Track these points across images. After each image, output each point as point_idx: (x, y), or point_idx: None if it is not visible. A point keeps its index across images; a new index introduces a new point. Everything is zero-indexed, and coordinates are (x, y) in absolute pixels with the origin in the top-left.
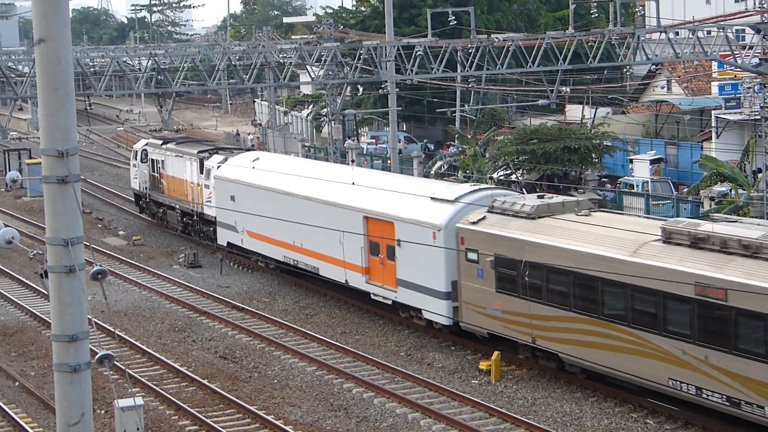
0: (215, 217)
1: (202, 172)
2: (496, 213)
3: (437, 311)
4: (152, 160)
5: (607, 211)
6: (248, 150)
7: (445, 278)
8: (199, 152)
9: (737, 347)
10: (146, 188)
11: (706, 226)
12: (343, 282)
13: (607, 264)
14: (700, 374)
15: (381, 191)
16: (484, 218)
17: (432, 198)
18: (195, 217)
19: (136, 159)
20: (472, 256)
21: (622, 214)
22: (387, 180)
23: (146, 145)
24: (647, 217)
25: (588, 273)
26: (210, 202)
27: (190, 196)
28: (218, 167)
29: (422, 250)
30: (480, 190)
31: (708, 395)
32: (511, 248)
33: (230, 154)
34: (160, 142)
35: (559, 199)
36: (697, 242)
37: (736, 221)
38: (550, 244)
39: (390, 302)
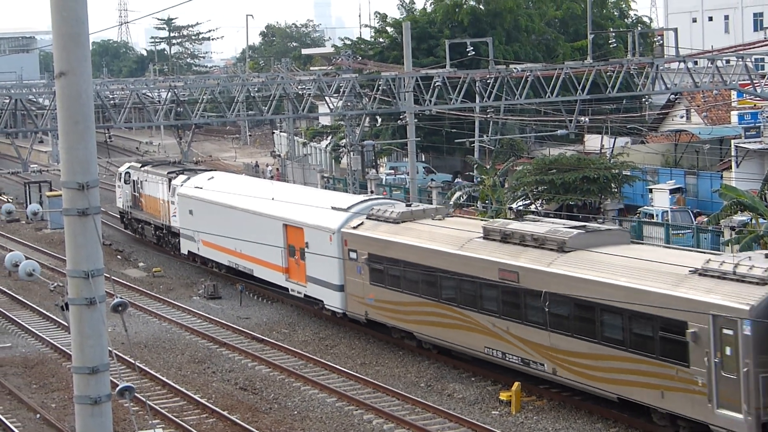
0: (179, 230)
1: (170, 191)
2: (372, 219)
3: (333, 302)
4: (133, 181)
5: (458, 216)
6: (210, 171)
7: (338, 274)
8: (168, 173)
9: (527, 319)
10: (129, 206)
11: (513, 225)
12: (270, 281)
13: (443, 257)
14: (504, 342)
15: (296, 203)
16: (362, 223)
17: (332, 207)
18: (164, 231)
19: (120, 180)
20: (353, 255)
21: (470, 218)
22: (302, 193)
23: (129, 168)
24: (483, 220)
25: (430, 265)
26: (175, 216)
27: (161, 212)
28: (181, 185)
29: (323, 250)
30: (369, 200)
31: (509, 358)
32: (379, 247)
33: (194, 174)
34: (140, 165)
35: (421, 207)
36: (505, 237)
37: (538, 221)
38: (405, 242)
39: (302, 295)
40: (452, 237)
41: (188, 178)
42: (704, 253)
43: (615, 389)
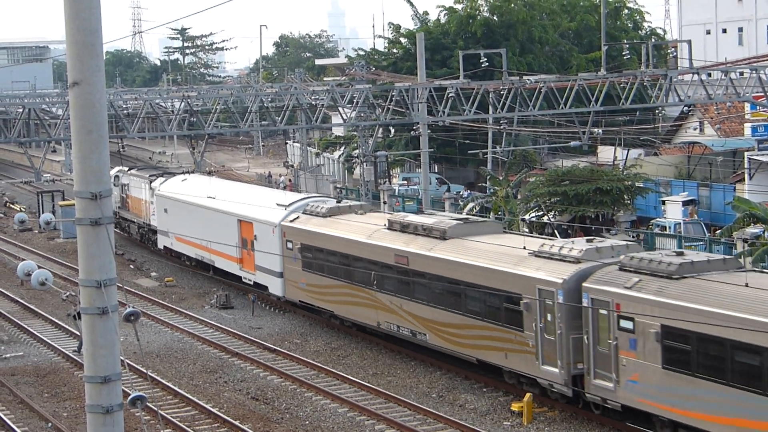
0: (157, 227)
1: (150, 192)
2: (306, 214)
3: (275, 288)
4: (122, 184)
5: (378, 211)
6: (186, 173)
7: (279, 263)
8: (150, 176)
9: (414, 296)
10: (118, 207)
11: (409, 217)
12: (228, 270)
13: (354, 245)
14: (398, 317)
15: (249, 202)
16: (298, 218)
17: (276, 204)
18: (146, 228)
19: (113, 182)
20: (290, 245)
21: (390, 213)
22: (255, 192)
23: (118, 171)
24: (390, 213)
25: (345, 252)
26: (154, 215)
27: (144, 211)
28: (159, 187)
29: (267, 242)
30: (307, 198)
31: (402, 330)
32: (309, 238)
33: (171, 177)
34: (128, 169)
35: (348, 203)
36: (403, 228)
37: (433, 214)
38: (327, 233)
39: (252, 283)
40: (363, 228)
41: (165, 181)
42: (552, 239)
43: (474, 353)
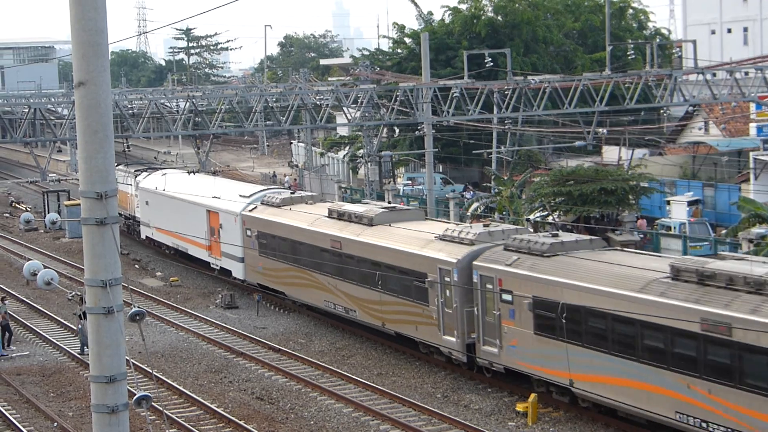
0: (140, 219)
1: (135, 186)
2: (264, 204)
3: (238, 272)
4: None
5: (326, 201)
6: (167, 169)
7: (241, 249)
8: (135, 171)
9: (348, 277)
10: None
11: (346, 207)
12: (199, 257)
13: (299, 232)
14: (335, 296)
15: (216, 193)
16: (256, 207)
17: (239, 195)
18: (132, 220)
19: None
20: (249, 233)
21: (343, 203)
22: (222, 185)
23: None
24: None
25: (292, 238)
26: (138, 207)
27: (130, 204)
28: (142, 181)
29: (231, 230)
30: (266, 189)
31: (336, 307)
32: (265, 226)
33: (154, 171)
34: (116, 164)
35: (300, 194)
36: (340, 216)
37: (367, 203)
38: (279, 221)
39: (218, 268)
40: (309, 216)
41: (148, 175)
42: (458, 224)
43: (393, 327)
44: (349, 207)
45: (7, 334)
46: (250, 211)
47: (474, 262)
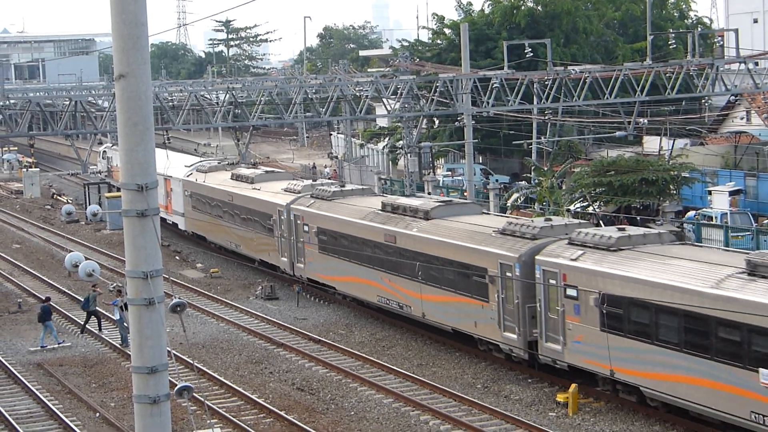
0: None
1: None
2: (199, 171)
3: (181, 224)
4: (108, 157)
5: (243, 166)
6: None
7: (182, 207)
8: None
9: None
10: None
11: (241, 170)
12: (162, 217)
13: (214, 190)
14: (230, 236)
15: (173, 164)
16: (191, 174)
17: (184, 165)
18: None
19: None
20: (186, 193)
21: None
22: (178, 157)
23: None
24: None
25: (210, 195)
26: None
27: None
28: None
29: (177, 192)
30: (203, 161)
31: (232, 246)
32: (195, 188)
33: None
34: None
35: (224, 163)
36: (237, 177)
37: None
38: (202, 183)
39: (171, 222)
40: (220, 179)
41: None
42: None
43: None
44: (243, 171)
45: (93, 318)
46: (188, 176)
47: (536, 257)
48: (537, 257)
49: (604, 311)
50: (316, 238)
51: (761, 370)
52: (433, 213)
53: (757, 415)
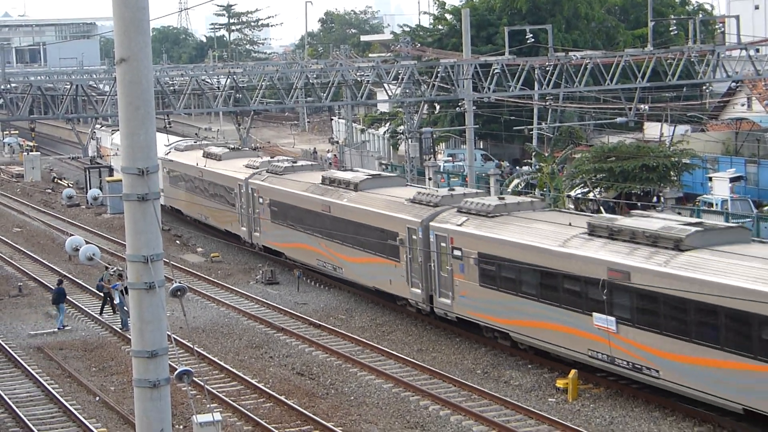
0: (113, 166)
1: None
2: (176, 150)
3: (161, 200)
4: (97, 137)
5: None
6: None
7: (162, 183)
8: (112, 130)
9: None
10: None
11: (211, 148)
12: None
13: (190, 168)
14: (201, 208)
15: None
16: (169, 153)
17: (164, 145)
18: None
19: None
20: (166, 170)
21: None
22: (158, 138)
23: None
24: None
25: (184, 172)
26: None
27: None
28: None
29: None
30: (179, 141)
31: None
32: (173, 166)
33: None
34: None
35: (186, 141)
36: (209, 155)
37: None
38: (177, 161)
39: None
40: (195, 158)
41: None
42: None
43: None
44: (214, 149)
45: (110, 300)
46: (166, 155)
47: (431, 223)
48: (431, 223)
49: (481, 269)
50: (269, 209)
51: (594, 314)
52: (362, 185)
53: (592, 352)
